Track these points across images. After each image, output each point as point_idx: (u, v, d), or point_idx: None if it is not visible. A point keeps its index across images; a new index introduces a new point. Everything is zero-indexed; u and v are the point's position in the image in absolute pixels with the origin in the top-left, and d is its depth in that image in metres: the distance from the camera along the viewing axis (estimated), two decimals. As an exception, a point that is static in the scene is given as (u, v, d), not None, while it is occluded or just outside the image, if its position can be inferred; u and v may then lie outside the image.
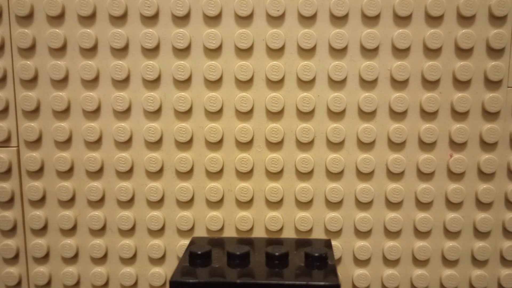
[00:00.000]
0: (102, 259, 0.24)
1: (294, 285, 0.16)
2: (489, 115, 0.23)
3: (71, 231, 0.24)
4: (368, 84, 0.23)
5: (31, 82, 0.23)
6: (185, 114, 0.23)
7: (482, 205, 0.23)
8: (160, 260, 0.24)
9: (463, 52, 0.22)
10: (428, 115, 0.23)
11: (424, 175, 0.23)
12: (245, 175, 0.23)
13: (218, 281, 0.16)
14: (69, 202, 0.24)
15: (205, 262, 0.17)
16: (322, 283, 0.16)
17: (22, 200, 0.24)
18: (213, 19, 0.22)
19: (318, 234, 0.24)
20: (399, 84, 0.23)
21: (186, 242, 0.23)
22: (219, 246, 0.17)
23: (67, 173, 0.24)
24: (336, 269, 0.17)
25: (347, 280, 0.24)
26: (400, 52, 0.22)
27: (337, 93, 0.23)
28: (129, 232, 0.24)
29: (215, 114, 0.23)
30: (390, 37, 0.22)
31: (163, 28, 0.22)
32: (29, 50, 0.23)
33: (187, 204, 0.23)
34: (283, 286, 0.16)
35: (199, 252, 0.18)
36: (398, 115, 0.23)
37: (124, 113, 0.23)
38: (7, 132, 0.23)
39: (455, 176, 0.23)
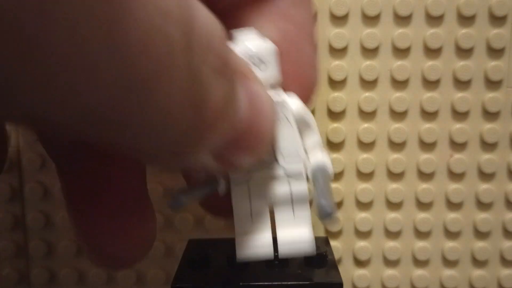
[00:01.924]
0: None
1: (297, 285, 0.16)
2: (489, 115, 0.23)
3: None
4: (368, 84, 0.23)
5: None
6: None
7: (482, 205, 0.23)
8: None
9: (463, 52, 0.22)
10: (428, 115, 0.23)
11: (424, 175, 0.23)
12: (245, 175, 0.23)
13: (220, 285, 0.16)
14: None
15: (205, 265, 0.17)
16: (324, 281, 0.16)
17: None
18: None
19: (318, 234, 0.24)
20: (399, 84, 0.23)
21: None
22: (217, 248, 0.17)
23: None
24: (337, 266, 0.17)
25: (347, 281, 0.24)
26: (400, 52, 0.22)
27: (337, 93, 0.23)
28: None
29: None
30: (390, 37, 0.22)
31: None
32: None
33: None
34: (286, 286, 0.16)
35: (199, 255, 0.18)
36: (398, 115, 0.23)
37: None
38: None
39: (455, 176, 0.23)
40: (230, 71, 0.11)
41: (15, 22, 0.07)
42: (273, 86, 0.15)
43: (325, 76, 0.22)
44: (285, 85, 0.16)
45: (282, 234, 0.16)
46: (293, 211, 0.16)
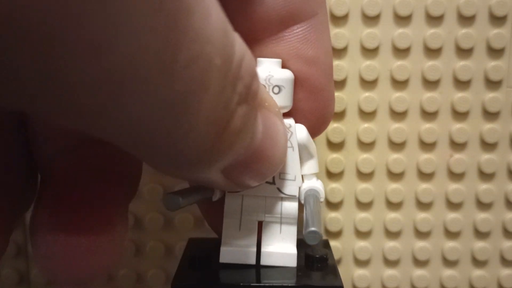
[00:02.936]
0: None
1: (299, 287, 0.16)
2: (489, 115, 0.23)
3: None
4: (368, 84, 0.23)
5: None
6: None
7: (483, 205, 0.23)
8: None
9: (463, 52, 0.22)
10: (428, 115, 0.23)
11: (425, 175, 0.23)
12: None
13: (221, 285, 0.16)
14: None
15: (205, 264, 0.17)
16: (324, 285, 0.16)
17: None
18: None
19: (318, 234, 0.24)
20: (399, 84, 0.23)
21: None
22: (217, 247, 0.17)
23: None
24: (337, 270, 0.17)
25: (347, 281, 0.24)
26: (400, 52, 0.22)
27: (337, 93, 0.23)
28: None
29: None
30: (390, 37, 0.22)
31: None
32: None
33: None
34: (287, 287, 0.16)
35: (199, 255, 0.18)
36: (398, 115, 0.23)
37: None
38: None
39: (455, 176, 0.23)
40: (253, 100, 0.12)
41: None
42: (284, 110, 0.16)
43: (325, 76, 0.22)
44: (300, 118, 0.17)
45: (267, 246, 0.17)
46: (280, 227, 0.17)
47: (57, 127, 0.15)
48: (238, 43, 0.11)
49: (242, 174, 0.14)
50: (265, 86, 0.16)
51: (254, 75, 0.12)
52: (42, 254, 0.15)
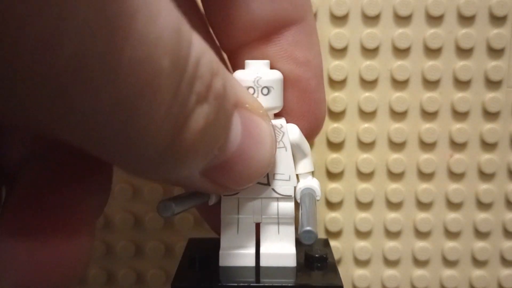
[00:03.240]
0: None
1: (299, 286, 0.16)
2: (489, 115, 0.23)
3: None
4: (368, 84, 0.23)
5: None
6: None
7: (483, 205, 0.23)
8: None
9: (463, 52, 0.22)
10: (428, 115, 0.23)
11: (425, 175, 0.23)
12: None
13: (221, 285, 0.16)
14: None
15: (206, 264, 0.17)
16: (324, 284, 0.16)
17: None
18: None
19: (318, 234, 0.24)
20: (399, 84, 0.23)
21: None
22: (217, 247, 0.17)
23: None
24: (337, 269, 0.17)
25: (347, 281, 0.24)
26: (400, 52, 0.22)
27: (337, 93, 0.23)
28: (129, 232, 0.24)
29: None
30: (390, 37, 0.22)
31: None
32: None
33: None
34: (287, 287, 0.16)
35: (199, 255, 0.18)
36: (398, 115, 0.23)
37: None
38: None
39: (455, 176, 0.23)
40: (218, 99, 0.12)
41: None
42: (274, 110, 0.17)
43: (325, 76, 0.22)
44: (293, 121, 0.17)
45: (266, 248, 0.17)
46: (278, 228, 0.17)
47: (22, 134, 0.15)
48: (196, 42, 0.11)
49: (226, 177, 0.14)
50: (254, 88, 0.16)
51: (215, 74, 0.12)
52: (3, 258, 0.14)
